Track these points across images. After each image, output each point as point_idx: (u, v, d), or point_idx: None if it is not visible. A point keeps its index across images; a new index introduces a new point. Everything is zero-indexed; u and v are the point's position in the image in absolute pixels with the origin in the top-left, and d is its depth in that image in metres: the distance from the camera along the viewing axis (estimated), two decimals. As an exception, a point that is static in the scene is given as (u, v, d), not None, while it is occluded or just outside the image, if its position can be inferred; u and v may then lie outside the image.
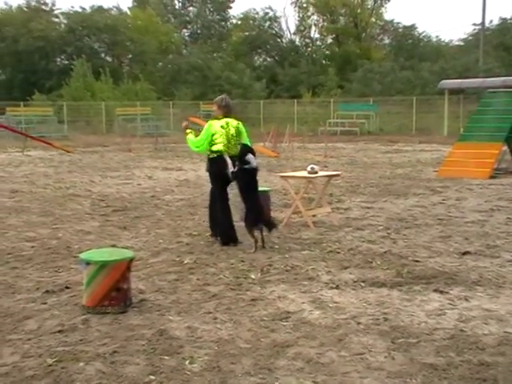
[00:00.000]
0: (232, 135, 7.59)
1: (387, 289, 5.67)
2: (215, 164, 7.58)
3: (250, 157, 7.34)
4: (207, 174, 7.89)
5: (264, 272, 6.26)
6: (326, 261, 6.70)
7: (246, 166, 7.32)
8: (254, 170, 7.44)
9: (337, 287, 5.72)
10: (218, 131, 7.52)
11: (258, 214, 7.33)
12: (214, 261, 6.74)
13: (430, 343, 4.34)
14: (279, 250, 7.27)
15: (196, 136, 7.79)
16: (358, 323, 4.75)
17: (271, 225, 7.44)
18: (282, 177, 9.44)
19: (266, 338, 4.47)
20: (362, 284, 5.81)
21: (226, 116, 7.69)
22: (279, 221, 8.57)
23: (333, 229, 8.50)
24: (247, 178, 7.39)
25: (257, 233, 7.28)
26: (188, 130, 7.90)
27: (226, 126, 7.58)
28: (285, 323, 4.77)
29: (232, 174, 7.43)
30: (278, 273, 6.24)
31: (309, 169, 8.85)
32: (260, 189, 10.24)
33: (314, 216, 9.02)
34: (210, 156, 7.62)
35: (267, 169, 16.65)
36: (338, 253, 7.07)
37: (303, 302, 5.28)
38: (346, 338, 4.44)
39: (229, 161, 7.48)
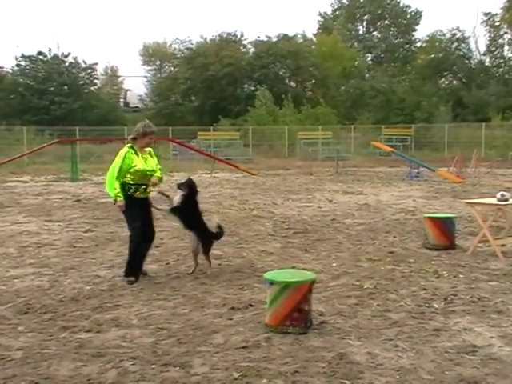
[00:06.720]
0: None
1: None
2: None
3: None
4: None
5: (448, 302, 6.02)
6: (517, 294, 6.28)
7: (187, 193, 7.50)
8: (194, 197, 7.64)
9: (530, 324, 5.33)
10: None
11: (211, 237, 7.62)
12: (394, 287, 6.61)
13: None
14: (464, 279, 6.94)
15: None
16: (558, 366, 4.38)
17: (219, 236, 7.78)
18: (469, 203, 9.04)
19: (451, 371, 4.29)
20: (561, 322, 5.36)
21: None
22: (460, 247, 8.16)
23: (525, 260, 7.95)
24: (192, 206, 7.60)
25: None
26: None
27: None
28: (471, 357, 4.54)
29: (176, 208, 7.44)
30: (463, 303, 5.97)
31: (499, 196, 8.38)
32: (444, 215, 9.92)
33: (503, 246, 8.50)
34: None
35: (452, 195, 16.06)
36: (532, 286, 6.58)
37: (492, 337, 5.00)
38: (542, 380, 4.11)
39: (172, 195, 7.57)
